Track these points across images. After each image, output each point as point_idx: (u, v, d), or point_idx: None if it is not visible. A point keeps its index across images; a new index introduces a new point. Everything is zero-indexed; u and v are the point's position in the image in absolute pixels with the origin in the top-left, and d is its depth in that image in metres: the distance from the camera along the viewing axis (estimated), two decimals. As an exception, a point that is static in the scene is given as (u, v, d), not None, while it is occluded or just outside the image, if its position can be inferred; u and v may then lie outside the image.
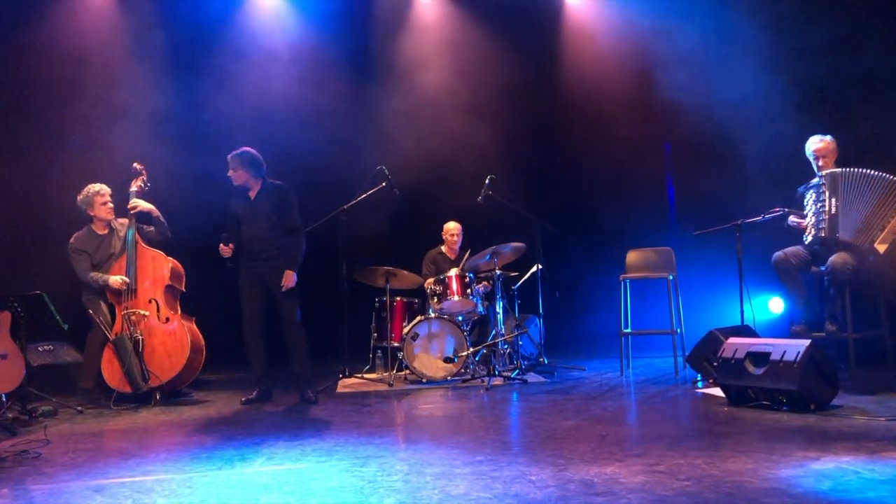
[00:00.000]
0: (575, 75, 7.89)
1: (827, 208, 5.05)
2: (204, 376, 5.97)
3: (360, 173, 6.63)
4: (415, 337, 5.85)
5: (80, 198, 5.58)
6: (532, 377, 5.91)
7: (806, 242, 5.17)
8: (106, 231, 5.64)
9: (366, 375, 6.20)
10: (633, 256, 6.39)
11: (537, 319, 6.60)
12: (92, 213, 5.58)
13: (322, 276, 6.49)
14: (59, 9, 6.99)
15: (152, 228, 5.63)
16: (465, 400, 5.11)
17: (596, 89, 7.70)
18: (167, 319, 5.43)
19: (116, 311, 5.43)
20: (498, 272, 5.97)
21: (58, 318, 4.85)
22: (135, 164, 5.64)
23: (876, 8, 6.54)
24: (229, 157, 5.20)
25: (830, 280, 5.03)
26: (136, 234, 5.52)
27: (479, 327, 6.48)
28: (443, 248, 6.80)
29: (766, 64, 6.63)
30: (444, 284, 5.97)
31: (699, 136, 7.17)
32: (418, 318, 6.04)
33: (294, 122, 7.18)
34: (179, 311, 5.53)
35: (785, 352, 4.14)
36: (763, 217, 5.32)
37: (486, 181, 6.25)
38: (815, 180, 5.21)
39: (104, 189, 5.62)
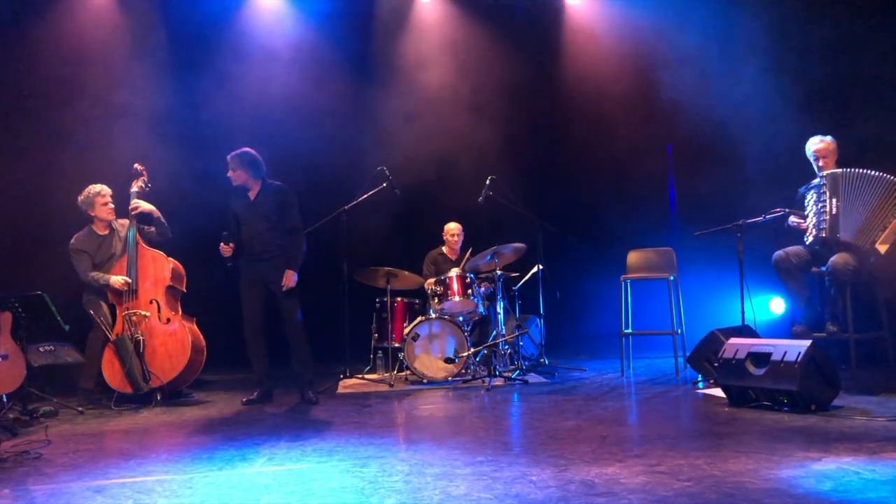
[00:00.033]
0: (575, 75, 7.88)
1: (828, 209, 5.05)
2: (205, 377, 5.97)
3: (361, 174, 6.63)
4: (415, 337, 5.84)
5: (80, 198, 5.58)
6: (533, 378, 5.91)
7: (807, 243, 5.17)
8: (107, 232, 5.64)
9: (366, 376, 6.19)
10: (633, 257, 6.39)
11: (538, 320, 6.60)
12: (93, 214, 5.58)
13: (323, 276, 6.49)
14: (59, 9, 6.99)
15: (153, 229, 5.63)
16: (465, 400, 5.11)
17: (596, 89, 7.69)
18: (168, 320, 5.43)
19: (117, 311, 5.43)
20: (499, 273, 5.97)
21: (59, 318, 4.85)
22: (136, 165, 5.64)
23: (876, 8, 6.54)
24: (229, 157, 5.20)
25: (831, 280, 5.04)
26: (137, 235, 5.52)
27: (479, 328, 6.48)
28: (443, 248, 6.80)
29: (767, 64, 6.63)
30: (445, 285, 5.97)
31: (700, 136, 7.17)
32: (419, 318, 6.03)
33: (294, 122, 7.19)
34: (180, 312, 5.53)
35: (786, 352, 4.14)
36: (764, 217, 5.32)
37: (487, 181, 6.24)
38: (816, 181, 5.22)
39: (105, 190, 5.62)
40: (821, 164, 5.25)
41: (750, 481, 2.86)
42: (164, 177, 6.08)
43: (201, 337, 5.57)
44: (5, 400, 4.77)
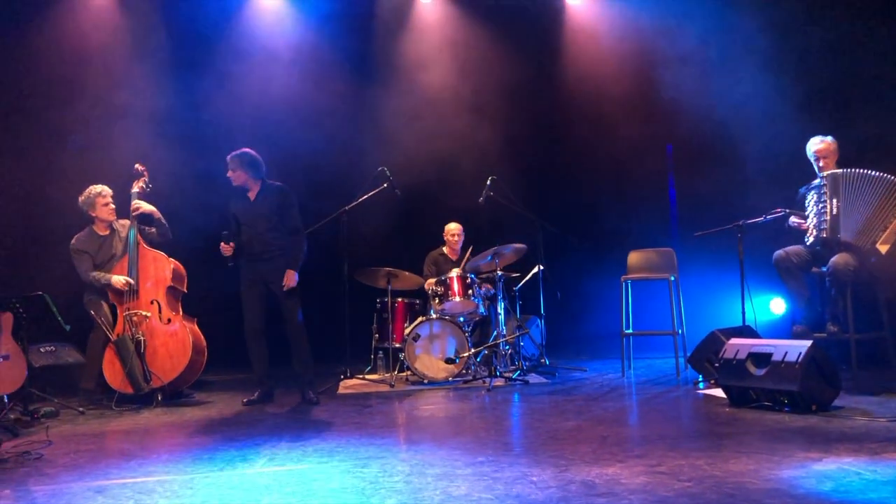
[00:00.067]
0: (576, 75, 7.89)
1: (828, 209, 5.05)
2: (205, 377, 5.97)
3: (361, 174, 6.63)
4: (416, 338, 5.85)
5: (81, 199, 5.58)
6: (533, 378, 5.91)
7: (807, 243, 5.17)
8: (107, 232, 5.64)
9: (367, 376, 6.19)
10: (634, 257, 6.39)
11: (538, 320, 6.60)
12: (93, 214, 5.58)
13: (323, 277, 6.49)
14: (60, 9, 6.99)
15: (154, 230, 5.63)
16: (466, 401, 5.11)
17: (597, 89, 7.70)
18: (169, 320, 5.43)
19: (118, 311, 5.43)
20: (499, 273, 5.97)
21: (59, 318, 4.85)
22: (136, 166, 5.64)
23: (876, 8, 6.55)
24: (228, 157, 5.20)
25: (832, 281, 5.03)
26: (138, 235, 5.52)
27: (480, 328, 6.48)
28: (444, 248, 6.80)
29: (767, 64, 6.64)
30: (446, 285, 5.97)
31: (700, 136, 7.18)
32: (420, 318, 6.03)
33: (294, 122, 7.19)
34: (181, 313, 5.53)
35: (786, 352, 4.14)
36: (764, 218, 5.32)
37: (488, 182, 6.25)
38: (817, 181, 5.21)
39: (106, 190, 5.63)
40: (821, 164, 5.24)
41: (751, 482, 2.86)
42: (165, 177, 6.09)
43: (202, 337, 5.57)
44: (6, 400, 4.77)
